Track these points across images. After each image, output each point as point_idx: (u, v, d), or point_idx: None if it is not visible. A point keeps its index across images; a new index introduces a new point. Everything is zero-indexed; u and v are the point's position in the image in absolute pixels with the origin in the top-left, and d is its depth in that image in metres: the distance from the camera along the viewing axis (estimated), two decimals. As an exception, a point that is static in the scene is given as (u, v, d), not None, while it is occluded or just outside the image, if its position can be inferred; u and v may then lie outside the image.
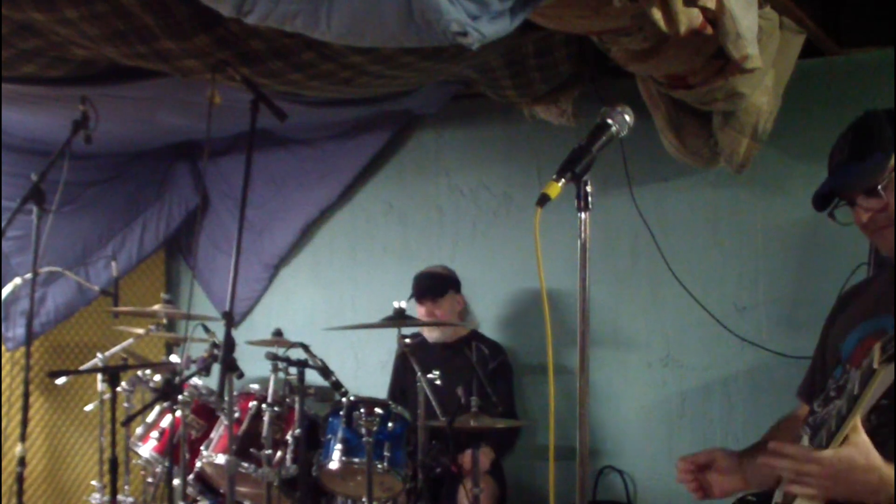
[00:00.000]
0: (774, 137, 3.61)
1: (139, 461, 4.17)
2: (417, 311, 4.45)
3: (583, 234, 1.69)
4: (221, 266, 5.27)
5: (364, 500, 3.51)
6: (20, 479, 3.45)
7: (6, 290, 4.09)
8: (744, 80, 3.18)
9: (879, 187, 1.93)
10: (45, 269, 4.25)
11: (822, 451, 1.66)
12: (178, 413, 3.79)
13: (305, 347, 3.86)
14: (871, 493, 1.67)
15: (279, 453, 3.77)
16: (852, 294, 2.24)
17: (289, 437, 3.80)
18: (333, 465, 3.66)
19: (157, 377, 4.21)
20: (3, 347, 4.66)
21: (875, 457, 1.67)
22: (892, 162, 1.94)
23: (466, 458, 3.94)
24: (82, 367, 4.38)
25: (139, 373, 4.23)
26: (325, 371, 3.81)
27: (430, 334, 4.46)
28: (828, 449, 1.68)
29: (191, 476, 3.91)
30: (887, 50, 3.85)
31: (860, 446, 1.67)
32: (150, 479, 4.15)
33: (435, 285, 4.46)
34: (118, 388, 3.90)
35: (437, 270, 4.56)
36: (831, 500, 1.71)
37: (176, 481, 3.72)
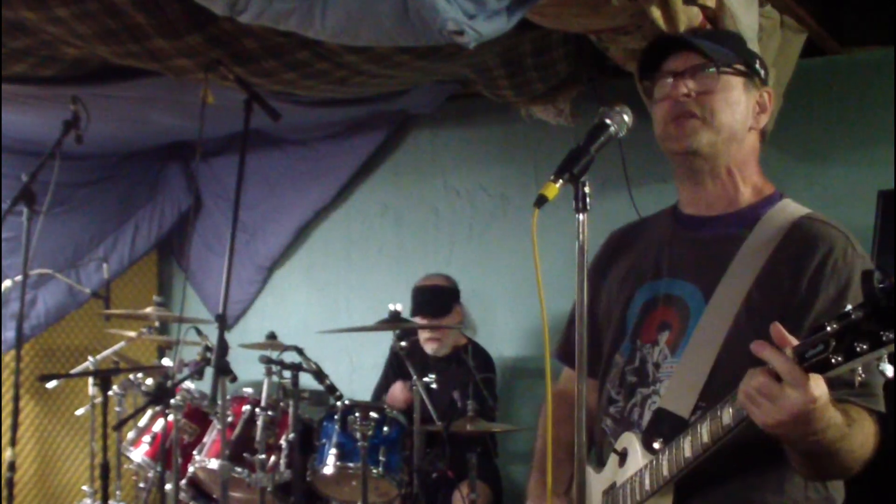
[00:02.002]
0: (775, 137, 3.52)
1: (131, 466, 4.14)
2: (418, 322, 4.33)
3: (581, 236, 1.65)
4: (214, 268, 5.24)
5: (359, 505, 3.48)
6: (10, 484, 3.44)
7: (-3, 292, 4.06)
8: (744, 80, 3.15)
9: (711, 70, 1.79)
10: (35, 272, 4.25)
11: (810, 384, 1.41)
12: (171, 417, 3.74)
13: (299, 351, 3.84)
14: (811, 431, 1.48)
15: (273, 458, 3.74)
16: (626, 237, 2.05)
17: (283, 442, 3.78)
18: (328, 469, 3.65)
19: (149, 381, 4.17)
20: (-7, 351, 4.63)
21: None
22: (738, 67, 1.82)
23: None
24: (73, 371, 4.34)
25: (131, 376, 4.20)
26: (319, 374, 3.79)
27: (430, 348, 4.31)
28: (810, 382, 1.41)
29: (183, 481, 3.87)
30: (889, 49, 3.83)
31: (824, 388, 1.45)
32: (141, 485, 4.12)
33: (438, 301, 4.30)
34: (109, 392, 3.87)
35: (440, 283, 4.39)
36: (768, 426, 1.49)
37: (168, 486, 3.70)
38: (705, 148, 1.80)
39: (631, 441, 1.77)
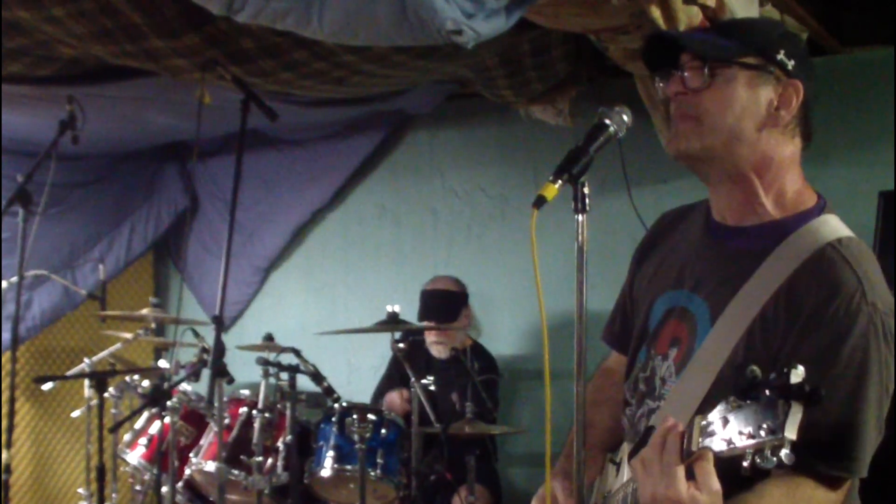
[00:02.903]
0: (774, 138, 3.58)
1: (127, 469, 4.13)
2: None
3: (580, 237, 1.63)
4: (211, 269, 5.23)
5: (356, 508, 3.47)
6: (5, 486, 3.44)
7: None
8: (744, 80, 3.14)
9: (708, 62, 1.65)
10: (31, 273, 4.21)
11: (675, 479, 1.38)
12: (167, 419, 3.73)
13: (297, 352, 3.82)
14: None
15: (270, 460, 3.73)
16: (671, 224, 1.94)
17: (280, 444, 3.76)
18: (325, 472, 3.64)
19: (146, 383, 4.15)
20: (-12, 352, 4.61)
21: None
22: (742, 60, 1.66)
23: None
24: (69, 373, 4.32)
25: (127, 378, 4.17)
26: (316, 376, 3.77)
27: (435, 351, 4.29)
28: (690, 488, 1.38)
29: (180, 484, 3.85)
30: (889, 48, 3.82)
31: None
32: (138, 487, 4.10)
33: (447, 306, 4.27)
34: (105, 394, 3.86)
35: (449, 287, 4.37)
36: None
37: (164, 489, 3.67)
38: (699, 152, 1.67)
39: (625, 454, 1.75)
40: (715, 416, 1.33)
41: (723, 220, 1.75)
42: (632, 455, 1.70)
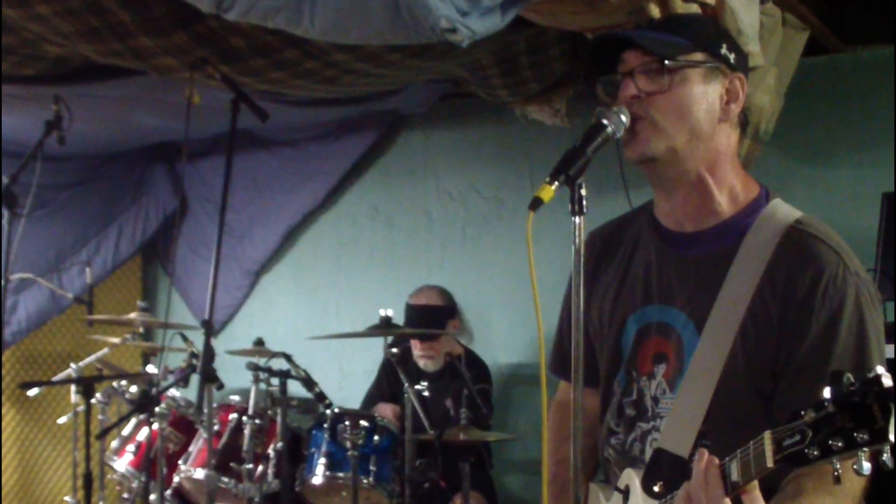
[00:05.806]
0: (776, 138, 3.52)
1: (114, 476, 4.10)
2: (411, 341, 4.27)
3: (577, 240, 1.60)
4: (200, 272, 5.20)
5: (349, 516, 3.45)
6: (-10, 494, 3.37)
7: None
8: (745, 79, 3.12)
9: (667, 63, 1.63)
10: (16, 276, 4.23)
11: None
12: (155, 426, 3.72)
13: (288, 357, 3.81)
14: None
15: (260, 468, 3.72)
16: (610, 240, 1.90)
17: (270, 451, 3.75)
18: (317, 479, 3.63)
19: (134, 388, 4.15)
20: (-26, 358, 4.59)
21: None
22: (694, 57, 1.67)
23: None
24: (55, 378, 4.35)
25: (114, 384, 4.17)
26: (308, 382, 3.77)
27: (422, 364, 4.24)
28: None
29: (168, 491, 3.83)
30: (892, 47, 3.80)
31: None
32: (125, 495, 4.08)
33: (432, 323, 4.21)
34: (93, 400, 3.84)
35: (433, 302, 4.33)
36: None
37: (153, 497, 3.66)
38: (663, 154, 1.66)
39: (632, 479, 1.71)
40: (791, 428, 1.30)
41: (679, 228, 1.75)
42: (645, 482, 1.67)
